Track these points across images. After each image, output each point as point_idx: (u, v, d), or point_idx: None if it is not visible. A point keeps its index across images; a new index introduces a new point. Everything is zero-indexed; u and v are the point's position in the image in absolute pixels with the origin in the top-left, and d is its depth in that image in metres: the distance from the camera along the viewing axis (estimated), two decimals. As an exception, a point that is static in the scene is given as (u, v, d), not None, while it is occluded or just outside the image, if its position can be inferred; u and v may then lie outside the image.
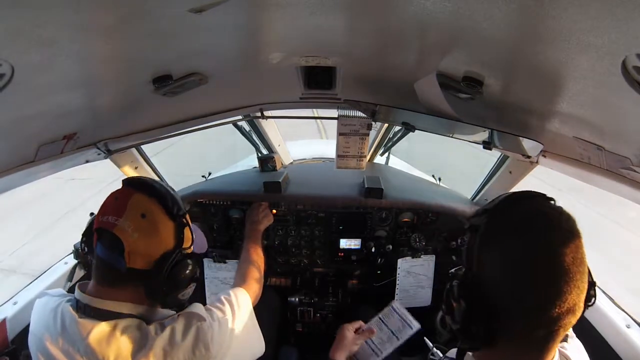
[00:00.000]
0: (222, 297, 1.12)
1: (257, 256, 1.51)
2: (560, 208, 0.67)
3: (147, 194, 0.93)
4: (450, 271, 0.81)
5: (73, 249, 1.52)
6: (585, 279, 0.63)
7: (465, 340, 0.70)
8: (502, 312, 0.64)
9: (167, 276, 0.91)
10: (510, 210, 0.69)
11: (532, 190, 0.73)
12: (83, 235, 1.02)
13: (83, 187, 6.47)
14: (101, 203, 0.94)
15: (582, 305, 0.63)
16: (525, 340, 0.65)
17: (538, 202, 0.69)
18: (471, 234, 0.71)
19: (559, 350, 0.76)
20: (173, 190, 1.00)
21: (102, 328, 0.87)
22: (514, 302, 0.63)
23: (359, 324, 1.48)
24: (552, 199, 0.70)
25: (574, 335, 0.87)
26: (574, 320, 0.63)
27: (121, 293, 0.91)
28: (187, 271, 0.95)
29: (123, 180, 0.98)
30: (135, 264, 0.88)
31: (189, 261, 0.97)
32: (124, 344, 0.86)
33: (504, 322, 0.64)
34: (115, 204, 0.91)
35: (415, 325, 1.52)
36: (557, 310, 0.60)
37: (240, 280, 1.32)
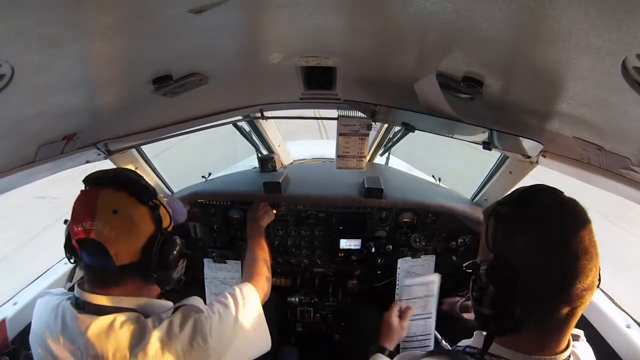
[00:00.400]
0: (227, 293, 1.12)
1: (263, 253, 1.50)
2: (573, 199, 0.74)
3: (113, 187, 0.91)
4: (465, 265, 0.86)
5: None
6: (598, 260, 0.69)
7: (495, 325, 0.74)
8: (532, 291, 0.69)
9: (157, 260, 0.92)
10: (533, 200, 0.75)
11: (545, 184, 0.79)
12: (65, 247, 1.01)
13: (52, 208, 5.72)
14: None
15: (597, 283, 0.70)
16: (550, 321, 0.71)
17: (555, 193, 0.76)
18: (496, 222, 0.77)
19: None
20: (137, 175, 0.99)
21: (100, 323, 0.87)
22: (544, 280, 0.69)
23: (398, 306, 1.52)
24: (562, 192, 0.77)
25: (585, 339, 0.89)
26: (590, 297, 0.69)
27: (117, 288, 0.92)
28: (175, 250, 0.96)
29: (84, 180, 0.94)
30: (123, 260, 0.89)
31: (173, 239, 0.97)
32: (122, 337, 0.87)
33: (534, 301, 0.69)
34: (84, 207, 0.88)
35: (436, 277, 1.66)
36: (580, 285, 0.66)
37: (247, 277, 1.31)
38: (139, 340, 0.87)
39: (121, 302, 0.91)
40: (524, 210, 0.74)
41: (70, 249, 0.98)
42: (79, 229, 0.87)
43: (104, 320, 0.87)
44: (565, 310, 0.69)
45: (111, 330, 0.87)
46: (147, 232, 0.93)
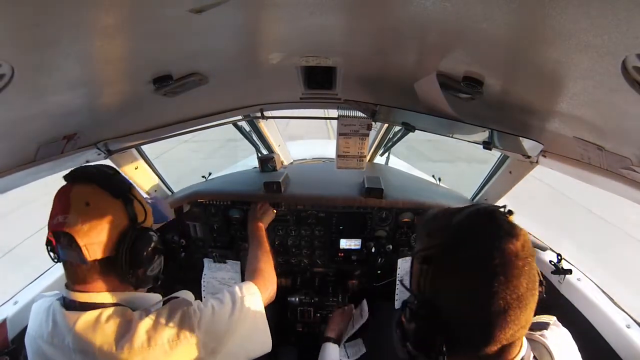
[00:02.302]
0: (225, 290, 1.11)
1: (265, 253, 1.48)
2: (515, 231, 0.65)
3: (85, 181, 0.91)
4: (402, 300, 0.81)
5: None
6: (536, 295, 0.65)
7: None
8: (457, 336, 0.65)
9: (129, 256, 0.90)
10: (468, 244, 0.66)
11: (488, 206, 0.71)
12: (46, 244, 0.99)
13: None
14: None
15: (532, 317, 0.66)
16: (479, 356, 0.67)
17: (496, 230, 0.65)
18: (423, 264, 0.70)
19: (536, 339, 0.78)
20: (113, 169, 0.98)
21: (87, 317, 0.87)
22: (470, 328, 0.65)
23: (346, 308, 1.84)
24: (510, 212, 0.69)
25: (559, 324, 0.87)
26: (525, 332, 0.67)
27: (97, 285, 0.91)
28: (149, 245, 0.94)
29: (63, 177, 0.95)
30: (96, 255, 0.87)
31: (149, 234, 0.95)
32: (108, 330, 0.86)
33: (460, 344, 0.66)
34: (59, 203, 0.89)
35: (365, 316, 1.86)
36: (510, 332, 0.63)
37: (249, 276, 1.29)
38: (124, 333, 0.87)
39: (105, 297, 0.91)
40: (455, 257, 0.66)
41: (51, 246, 0.96)
42: (54, 222, 0.87)
43: (90, 315, 0.88)
44: (495, 347, 0.65)
45: (97, 324, 0.87)
46: (120, 226, 0.91)
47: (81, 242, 0.85)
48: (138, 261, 0.92)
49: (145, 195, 1.13)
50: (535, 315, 0.68)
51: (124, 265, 0.90)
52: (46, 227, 0.91)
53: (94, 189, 0.90)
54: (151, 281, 0.99)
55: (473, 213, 0.69)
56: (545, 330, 0.82)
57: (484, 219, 0.68)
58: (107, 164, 1.46)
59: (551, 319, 0.85)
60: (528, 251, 0.64)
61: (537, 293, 0.66)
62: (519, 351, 0.69)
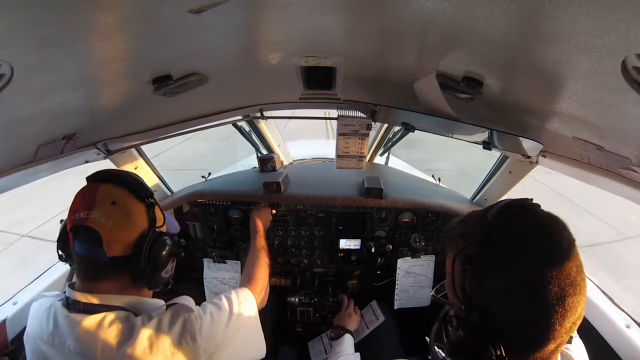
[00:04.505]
0: (222, 295, 1.12)
1: (264, 257, 1.50)
2: (553, 216, 0.65)
3: (113, 183, 0.94)
4: (432, 294, 0.79)
5: None
6: (586, 281, 0.62)
7: None
8: (514, 338, 0.62)
9: (147, 256, 0.93)
10: (504, 234, 0.64)
11: (518, 198, 0.69)
12: (58, 241, 1.01)
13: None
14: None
15: (584, 309, 0.63)
16: (536, 356, 0.64)
17: (530, 217, 0.65)
18: (464, 266, 0.66)
19: (563, 352, 0.77)
20: (136, 175, 1.03)
21: (89, 321, 0.87)
22: (528, 325, 0.61)
23: (352, 305, 1.95)
24: (538, 205, 0.68)
25: (577, 334, 0.87)
26: (579, 323, 0.64)
27: (107, 285, 0.92)
28: (166, 248, 0.98)
29: (87, 177, 0.98)
30: (115, 252, 0.89)
31: (165, 238, 0.99)
32: (110, 335, 0.87)
33: (517, 347, 0.62)
34: (83, 200, 0.91)
35: (381, 317, 1.96)
36: (568, 322, 0.60)
37: (245, 281, 1.32)
38: (127, 338, 0.87)
39: (110, 300, 0.92)
40: (495, 250, 0.63)
41: (63, 242, 0.98)
42: (76, 217, 0.89)
43: (93, 319, 0.88)
44: (552, 346, 0.62)
45: (100, 329, 0.87)
46: (141, 227, 0.94)
47: (104, 237, 0.87)
48: (156, 262, 0.95)
49: None
50: None
51: (142, 265, 0.92)
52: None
53: (121, 190, 0.93)
54: (163, 283, 1.01)
55: (506, 206, 0.67)
56: (569, 344, 0.79)
57: (519, 210, 0.66)
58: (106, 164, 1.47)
59: (573, 332, 0.84)
60: (569, 234, 0.62)
61: (585, 287, 0.61)
62: None
